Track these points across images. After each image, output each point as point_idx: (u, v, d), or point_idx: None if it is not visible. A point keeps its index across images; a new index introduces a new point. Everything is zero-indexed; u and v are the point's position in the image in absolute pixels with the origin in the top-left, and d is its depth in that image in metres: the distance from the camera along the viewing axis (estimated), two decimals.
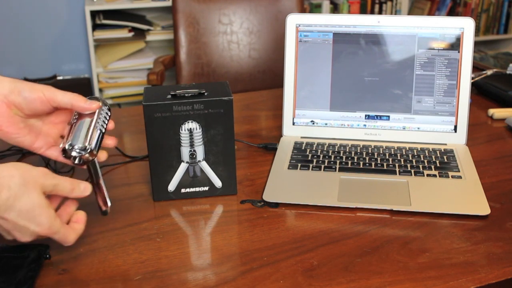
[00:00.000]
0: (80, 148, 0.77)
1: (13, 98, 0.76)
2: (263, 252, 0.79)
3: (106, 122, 0.82)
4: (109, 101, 2.86)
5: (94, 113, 0.80)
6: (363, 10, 3.16)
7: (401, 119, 1.09)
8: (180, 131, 0.88)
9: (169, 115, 0.87)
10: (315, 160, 1.02)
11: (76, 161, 0.78)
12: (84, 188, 0.76)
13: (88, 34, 2.70)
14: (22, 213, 0.68)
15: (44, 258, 0.76)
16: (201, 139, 0.89)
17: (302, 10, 2.02)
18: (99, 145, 0.79)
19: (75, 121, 0.80)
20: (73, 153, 0.77)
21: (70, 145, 0.77)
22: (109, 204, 0.81)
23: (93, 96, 0.82)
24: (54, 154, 0.81)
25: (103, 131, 0.80)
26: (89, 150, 0.77)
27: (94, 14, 2.78)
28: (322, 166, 1.00)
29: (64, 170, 1.02)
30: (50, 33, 2.88)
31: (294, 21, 1.10)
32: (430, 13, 3.31)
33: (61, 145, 0.78)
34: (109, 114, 0.83)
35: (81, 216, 0.77)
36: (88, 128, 0.79)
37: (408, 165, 1.00)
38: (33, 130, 0.80)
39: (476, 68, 1.53)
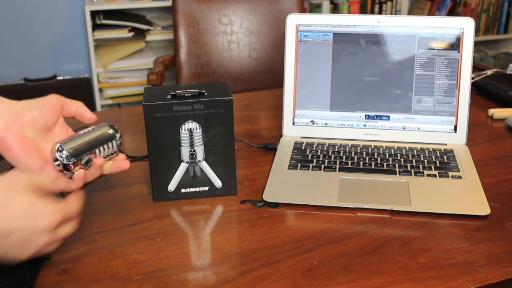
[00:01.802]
0: (60, 148, 0.77)
1: (26, 113, 0.76)
2: (263, 252, 0.79)
3: (104, 141, 0.81)
4: (109, 101, 2.86)
5: (99, 133, 0.81)
6: (363, 10, 3.16)
7: (401, 119, 1.09)
8: (180, 131, 0.88)
9: (169, 115, 0.87)
10: (315, 160, 1.02)
11: (56, 161, 0.77)
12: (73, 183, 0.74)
13: (88, 34, 2.70)
14: (25, 215, 0.63)
15: (44, 258, 0.76)
16: (201, 139, 0.89)
17: (302, 10, 2.02)
18: (81, 158, 0.78)
19: (79, 131, 0.81)
20: (57, 154, 0.77)
21: (60, 145, 0.77)
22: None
23: (106, 124, 0.83)
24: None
25: (95, 150, 0.80)
26: (65, 155, 0.77)
27: (94, 14, 2.78)
28: (322, 166, 1.00)
29: None
30: (50, 33, 2.88)
31: (294, 21, 1.10)
32: (430, 13, 3.31)
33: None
34: (114, 138, 0.82)
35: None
36: (82, 139, 0.79)
37: (408, 165, 1.00)
38: (43, 155, 0.78)
39: (476, 68, 1.53)
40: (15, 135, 0.74)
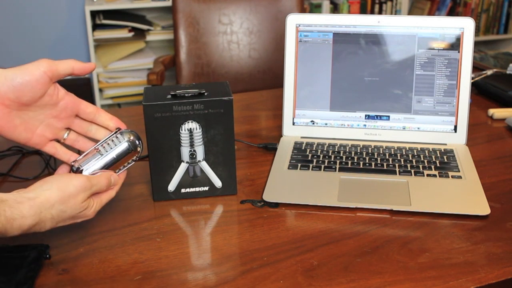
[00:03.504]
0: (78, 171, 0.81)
1: (5, 90, 0.73)
2: (263, 252, 0.79)
3: (121, 153, 0.83)
4: (109, 101, 2.86)
5: (117, 145, 0.82)
6: (363, 10, 3.16)
7: (401, 119, 1.09)
8: (180, 131, 0.88)
9: (169, 115, 0.87)
10: (315, 160, 1.02)
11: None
12: (114, 181, 0.82)
13: (88, 34, 2.70)
14: (59, 206, 0.72)
15: (44, 258, 0.76)
16: (201, 139, 0.89)
17: (302, 10, 2.02)
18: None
19: (99, 146, 0.82)
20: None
21: (78, 168, 0.80)
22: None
23: (126, 130, 0.84)
24: (52, 150, 0.81)
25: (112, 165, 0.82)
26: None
27: (94, 14, 2.78)
28: (322, 166, 1.00)
29: None
30: (50, 33, 2.88)
31: (294, 21, 1.10)
32: (430, 13, 3.31)
33: (72, 162, 0.81)
34: (130, 147, 0.83)
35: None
36: (102, 161, 0.81)
37: (408, 165, 1.00)
38: (29, 127, 0.78)
39: (476, 68, 1.53)
40: None
